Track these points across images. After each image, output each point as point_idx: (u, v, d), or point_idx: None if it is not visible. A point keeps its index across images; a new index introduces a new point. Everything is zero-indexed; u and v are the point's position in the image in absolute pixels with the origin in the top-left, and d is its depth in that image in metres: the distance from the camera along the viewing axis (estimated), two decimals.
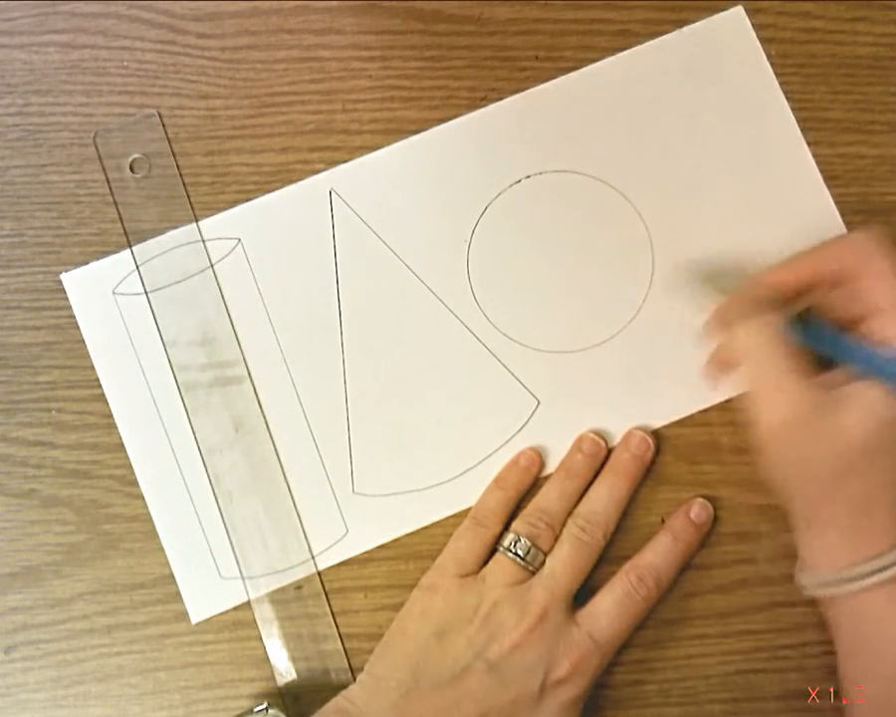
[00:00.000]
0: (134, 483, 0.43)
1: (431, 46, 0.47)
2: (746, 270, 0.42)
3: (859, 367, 0.38)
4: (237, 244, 0.45)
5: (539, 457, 0.43)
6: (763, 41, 0.47)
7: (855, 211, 0.45)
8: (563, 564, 0.40)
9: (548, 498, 0.42)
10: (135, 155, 0.46)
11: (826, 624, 0.40)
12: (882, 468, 0.37)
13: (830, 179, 0.45)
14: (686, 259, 0.44)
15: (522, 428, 0.44)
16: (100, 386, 0.44)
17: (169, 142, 0.46)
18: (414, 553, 0.43)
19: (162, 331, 0.44)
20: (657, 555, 0.41)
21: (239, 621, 0.42)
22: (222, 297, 0.45)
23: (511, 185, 0.46)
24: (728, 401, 0.43)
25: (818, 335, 0.39)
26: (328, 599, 0.42)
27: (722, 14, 0.47)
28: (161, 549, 0.43)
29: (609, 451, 0.43)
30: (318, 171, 0.46)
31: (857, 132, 0.46)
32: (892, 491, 0.37)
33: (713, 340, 0.42)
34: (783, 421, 0.38)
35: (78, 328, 0.45)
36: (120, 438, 0.44)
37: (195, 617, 0.42)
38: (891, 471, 0.37)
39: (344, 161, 0.46)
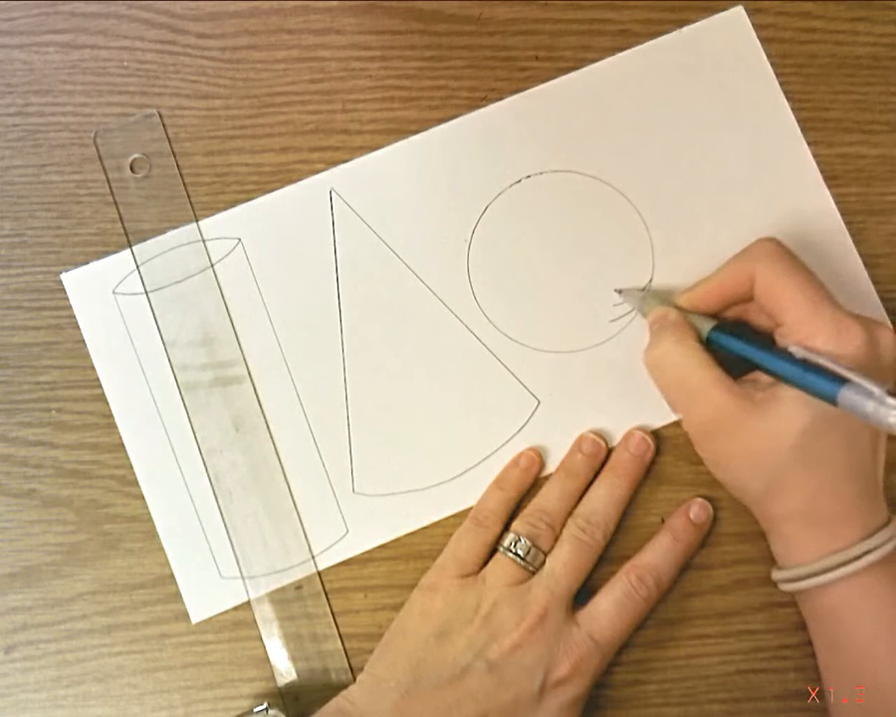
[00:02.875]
0: (134, 483, 0.43)
1: (431, 46, 0.47)
2: (672, 293, 0.42)
3: (771, 375, 0.38)
4: (237, 244, 0.45)
5: (539, 457, 0.43)
6: (763, 41, 0.47)
7: (855, 211, 0.45)
8: (564, 564, 0.40)
9: (548, 498, 0.42)
10: (135, 155, 0.46)
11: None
12: (826, 464, 0.37)
13: (830, 179, 0.45)
14: (618, 286, 0.44)
15: (522, 428, 0.44)
16: (100, 386, 0.44)
17: (169, 142, 0.46)
18: (414, 553, 0.43)
19: (162, 331, 0.44)
20: (657, 555, 0.41)
21: (239, 621, 0.42)
22: (222, 297, 0.45)
23: (511, 185, 0.46)
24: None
25: (732, 345, 0.39)
26: (328, 599, 0.42)
27: (722, 14, 0.47)
28: (161, 549, 0.43)
29: (609, 451, 0.43)
30: (318, 171, 0.46)
31: (857, 132, 0.46)
32: (844, 485, 0.37)
33: None
34: (704, 424, 0.39)
35: (78, 328, 0.45)
36: (121, 438, 0.44)
37: (195, 617, 0.42)
38: (838, 465, 0.37)
39: (344, 161, 0.46)
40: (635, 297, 0.43)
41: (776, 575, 0.40)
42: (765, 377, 0.39)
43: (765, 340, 0.39)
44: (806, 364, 0.36)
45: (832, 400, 0.35)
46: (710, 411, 0.38)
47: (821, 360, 0.36)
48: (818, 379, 0.35)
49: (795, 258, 0.39)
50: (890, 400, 0.33)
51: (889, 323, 0.44)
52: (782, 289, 0.38)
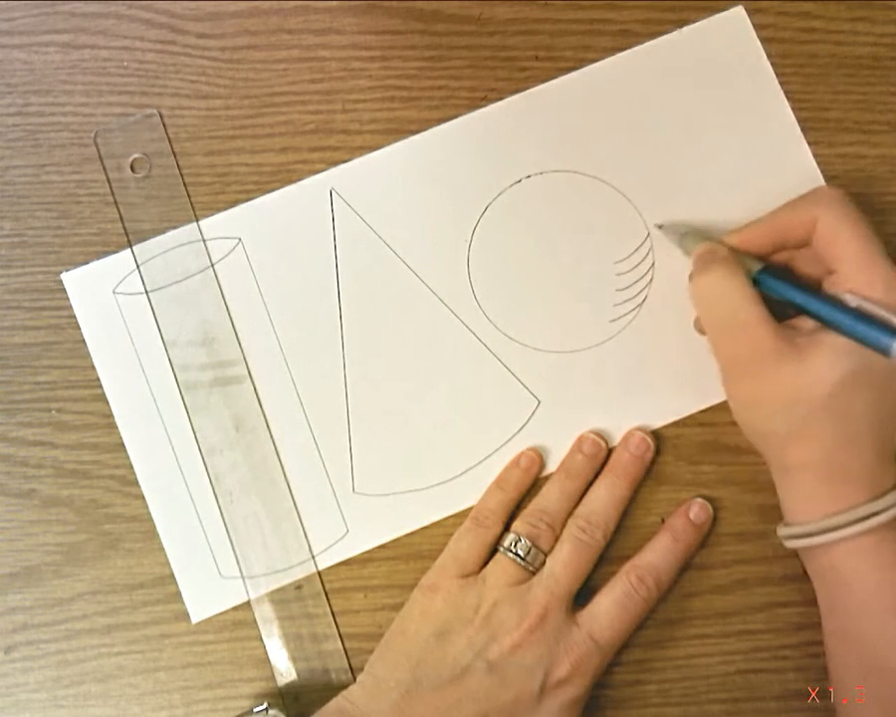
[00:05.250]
0: (134, 483, 0.43)
1: (431, 46, 0.47)
2: (719, 230, 0.42)
3: (819, 320, 0.38)
4: (237, 244, 0.45)
5: (539, 458, 0.43)
6: (763, 41, 0.47)
7: None
8: (564, 564, 0.40)
9: (548, 498, 0.42)
10: (136, 155, 0.46)
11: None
12: (852, 418, 0.37)
13: (830, 179, 0.45)
14: (664, 220, 0.44)
15: (522, 428, 0.44)
16: (100, 386, 0.44)
17: (170, 142, 0.46)
18: (414, 553, 0.43)
19: (163, 330, 0.44)
20: (657, 555, 0.41)
21: (239, 621, 0.42)
22: (222, 296, 0.45)
23: (511, 185, 0.46)
24: (728, 401, 0.43)
25: (781, 288, 0.39)
26: (328, 599, 0.42)
27: (722, 14, 0.47)
28: (161, 549, 0.43)
29: (610, 451, 0.43)
30: (318, 171, 0.46)
31: (857, 132, 0.46)
32: (864, 443, 0.37)
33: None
34: (742, 361, 0.39)
35: (78, 328, 0.45)
36: (121, 438, 0.44)
37: (195, 617, 0.42)
38: (862, 421, 0.37)
39: (344, 161, 0.46)
40: (676, 233, 0.43)
41: (781, 530, 0.40)
42: (807, 324, 0.39)
43: (812, 286, 0.39)
44: (859, 313, 0.36)
45: (885, 351, 0.35)
46: (750, 348, 0.38)
47: (877, 310, 0.36)
48: (871, 329, 0.36)
49: (858, 210, 0.39)
50: None
51: None
52: (842, 236, 0.38)
